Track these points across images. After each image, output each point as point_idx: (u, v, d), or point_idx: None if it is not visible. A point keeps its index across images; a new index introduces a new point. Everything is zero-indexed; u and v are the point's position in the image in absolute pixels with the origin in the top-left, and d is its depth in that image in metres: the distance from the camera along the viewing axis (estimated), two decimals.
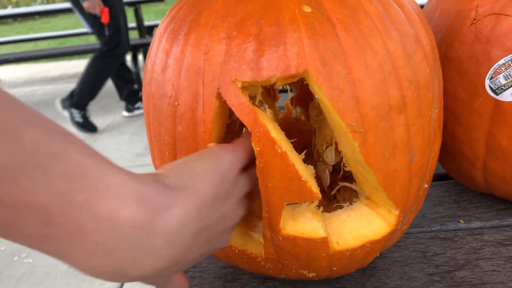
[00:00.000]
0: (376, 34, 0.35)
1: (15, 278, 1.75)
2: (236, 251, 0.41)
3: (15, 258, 1.88)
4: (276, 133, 0.35)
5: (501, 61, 0.46)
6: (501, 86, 0.46)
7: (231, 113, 0.39)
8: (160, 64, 0.39)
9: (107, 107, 3.68)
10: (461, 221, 0.56)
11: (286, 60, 0.33)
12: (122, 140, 3.02)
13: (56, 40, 6.07)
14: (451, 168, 0.58)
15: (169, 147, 0.39)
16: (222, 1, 0.38)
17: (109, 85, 4.21)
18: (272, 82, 0.34)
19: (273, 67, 0.34)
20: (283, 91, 0.70)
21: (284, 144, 0.35)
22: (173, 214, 0.26)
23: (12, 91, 4.38)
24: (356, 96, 0.34)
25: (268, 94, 0.58)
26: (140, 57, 4.27)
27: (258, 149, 0.35)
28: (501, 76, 0.46)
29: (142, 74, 3.90)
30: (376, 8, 0.36)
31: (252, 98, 0.37)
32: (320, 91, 0.34)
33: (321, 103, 0.35)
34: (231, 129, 0.45)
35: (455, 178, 0.61)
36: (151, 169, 2.40)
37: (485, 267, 0.48)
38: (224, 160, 0.33)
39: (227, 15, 0.36)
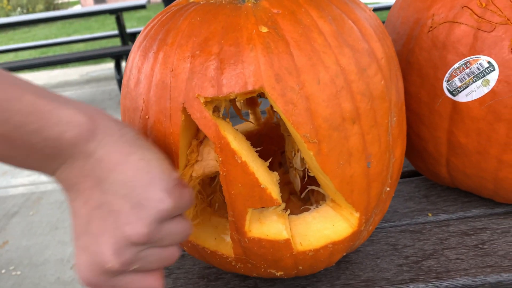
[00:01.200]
0: (329, 51, 0.37)
1: None
2: (209, 252, 0.45)
3: (3, 271, 1.90)
4: (237, 144, 0.38)
5: (456, 65, 0.48)
6: (457, 88, 0.49)
7: None
8: (133, 79, 0.42)
9: (107, 109, 3.68)
10: (430, 214, 0.60)
11: (243, 77, 0.36)
12: None
13: (38, 50, 6.02)
14: (419, 165, 0.61)
15: None
16: (188, 21, 0.40)
17: (93, 92, 4.22)
18: (232, 97, 0.37)
19: (232, 84, 0.36)
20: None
21: (245, 154, 0.38)
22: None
23: None
24: (309, 109, 0.37)
25: (251, 99, 0.60)
26: (123, 64, 4.25)
27: (220, 159, 0.38)
28: (456, 78, 0.49)
29: None
30: (330, 27, 0.38)
31: (218, 110, 0.40)
32: (276, 105, 0.36)
33: (280, 115, 0.38)
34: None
35: (423, 174, 0.64)
36: None
37: (450, 256, 0.52)
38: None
39: (192, 35, 0.39)
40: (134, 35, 4.27)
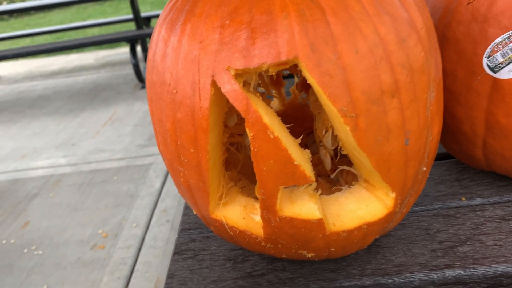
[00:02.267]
0: (367, 19, 0.35)
1: (26, 270, 1.82)
2: (238, 231, 0.43)
3: (25, 251, 1.94)
4: (269, 119, 0.36)
5: (498, 39, 0.45)
6: (499, 64, 0.46)
7: None
8: (160, 53, 0.40)
9: (107, 99, 3.69)
10: (463, 198, 0.57)
11: (276, 47, 0.34)
12: (124, 132, 3.03)
13: (53, 35, 6.04)
14: (452, 147, 0.59)
15: (170, 133, 0.40)
16: None
17: (109, 77, 4.22)
18: (264, 69, 0.35)
19: (264, 55, 0.34)
20: (290, 76, 0.71)
21: (277, 129, 0.36)
22: None
23: (13, 87, 4.41)
24: (346, 81, 0.34)
25: (275, 80, 0.58)
26: (138, 48, 4.24)
27: (251, 134, 0.36)
28: (498, 54, 0.46)
29: (141, 66, 3.87)
30: None
31: (247, 85, 0.38)
32: (311, 77, 0.34)
33: (314, 88, 0.36)
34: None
35: (456, 157, 0.61)
36: (156, 159, 2.42)
37: (487, 242, 0.49)
38: None
39: (221, 4, 0.37)
40: (148, 19, 4.25)
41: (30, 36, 4.59)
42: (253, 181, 0.52)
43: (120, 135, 2.99)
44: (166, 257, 1.82)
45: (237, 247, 0.55)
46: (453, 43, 0.49)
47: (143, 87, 3.80)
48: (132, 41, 3.66)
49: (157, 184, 2.34)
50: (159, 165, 2.51)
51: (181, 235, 0.59)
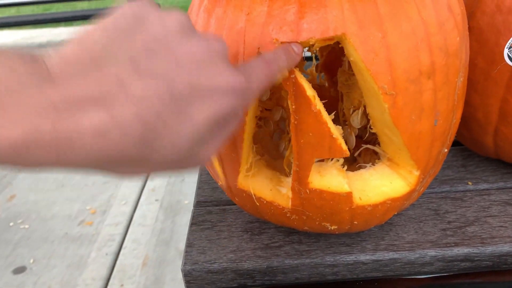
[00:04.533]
0: (411, 1, 0.37)
1: (12, 243, 1.79)
2: (265, 202, 0.45)
3: (11, 224, 1.91)
4: (312, 92, 0.37)
5: None
6: None
7: None
8: (202, 23, 0.40)
9: None
10: (469, 183, 0.60)
11: (325, 22, 0.35)
12: None
13: (41, 6, 5.83)
14: (462, 133, 0.61)
15: None
16: None
17: None
18: (311, 43, 0.36)
19: (313, 29, 0.35)
20: (308, 58, 0.72)
21: (319, 103, 0.37)
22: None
23: None
24: (389, 59, 0.36)
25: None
26: None
27: (294, 106, 0.37)
28: None
29: None
30: None
31: None
32: (356, 53, 0.36)
33: (355, 65, 0.37)
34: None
35: (464, 143, 0.64)
36: None
37: (493, 223, 0.52)
38: None
39: None
40: None
41: (16, 6, 4.45)
42: (273, 156, 0.53)
43: None
44: (154, 235, 1.83)
45: (254, 220, 0.56)
46: (476, 32, 0.51)
47: None
48: None
49: None
50: None
51: (197, 207, 0.60)
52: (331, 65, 0.61)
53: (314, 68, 0.63)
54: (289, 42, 0.36)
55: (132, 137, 0.22)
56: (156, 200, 2.07)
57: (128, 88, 0.22)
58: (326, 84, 0.63)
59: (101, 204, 2.06)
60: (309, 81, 0.63)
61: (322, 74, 0.63)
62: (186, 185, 2.13)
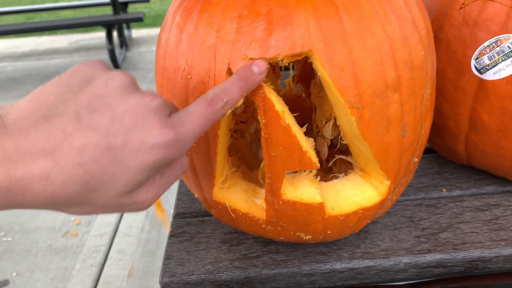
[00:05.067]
0: (376, 18, 0.38)
1: None
2: (240, 214, 0.45)
3: None
4: (281, 107, 0.38)
5: (486, 43, 0.49)
6: (485, 66, 0.50)
7: None
8: (174, 39, 0.41)
9: None
10: (444, 190, 0.61)
11: (292, 39, 0.36)
12: None
13: (23, 15, 5.78)
14: (435, 142, 0.63)
15: None
16: None
17: (99, 57, 4.12)
18: (279, 59, 0.37)
19: (280, 46, 0.36)
20: (286, 69, 0.73)
21: (288, 117, 0.38)
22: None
23: None
24: (355, 74, 0.37)
25: (272, 71, 0.60)
26: (115, 34, 4.13)
27: (264, 121, 0.38)
28: (485, 57, 0.50)
29: (116, 51, 3.77)
30: None
31: None
32: (323, 69, 0.37)
33: (323, 80, 0.38)
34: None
35: (438, 151, 0.65)
36: None
37: (465, 229, 0.54)
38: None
39: None
40: (125, 4, 4.17)
41: None
42: (251, 168, 0.54)
43: None
44: (140, 245, 1.82)
45: (232, 230, 0.57)
46: (444, 44, 0.53)
47: None
48: (109, 26, 3.58)
49: None
50: None
51: (176, 219, 0.60)
52: (307, 75, 0.62)
53: (291, 79, 0.64)
54: (254, 59, 0.37)
55: (74, 182, 0.26)
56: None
57: (72, 139, 0.26)
58: (303, 95, 0.64)
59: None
60: (286, 92, 0.64)
61: (299, 85, 0.64)
62: (172, 196, 2.12)
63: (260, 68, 0.36)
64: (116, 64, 3.69)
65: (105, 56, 4.17)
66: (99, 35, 4.99)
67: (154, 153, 0.28)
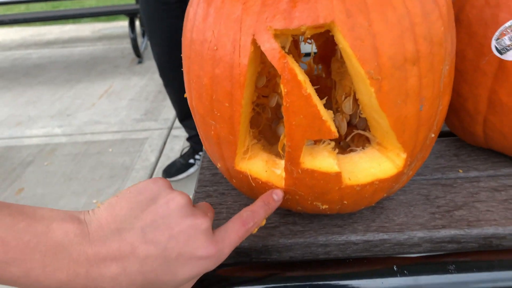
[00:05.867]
0: None
1: None
2: (260, 182, 0.47)
3: None
4: (303, 77, 0.40)
5: (508, 24, 0.50)
6: (506, 46, 0.51)
7: (262, 59, 0.44)
8: (201, 13, 0.43)
9: (104, 72, 3.67)
10: (460, 170, 0.62)
11: (315, 11, 0.38)
12: (120, 105, 3.03)
13: (49, 3, 5.87)
14: (453, 123, 0.64)
15: (207, 88, 0.44)
16: None
17: (106, 50, 4.18)
18: (302, 30, 0.39)
19: (304, 17, 0.38)
20: (307, 54, 0.75)
21: (309, 87, 0.40)
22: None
23: (7, 54, 4.34)
24: (375, 46, 0.38)
25: (294, 47, 0.62)
26: (137, 23, 4.17)
27: (285, 90, 0.40)
28: (506, 37, 0.50)
29: (138, 40, 3.83)
30: None
31: (282, 48, 0.42)
32: (344, 40, 0.38)
33: (344, 52, 0.40)
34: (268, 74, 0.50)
35: (456, 133, 0.66)
36: (151, 134, 2.39)
37: (481, 208, 0.54)
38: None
39: None
40: None
41: (25, 3, 4.51)
42: (271, 142, 0.56)
43: (116, 108, 3.00)
44: None
45: (251, 202, 0.59)
46: (465, 25, 0.54)
47: (140, 62, 3.79)
48: (131, 15, 3.63)
49: (152, 159, 2.37)
50: (155, 140, 2.54)
51: (198, 191, 0.63)
52: (327, 57, 0.63)
53: (311, 60, 0.66)
54: (272, 189, 0.46)
55: (135, 285, 0.35)
56: None
57: (136, 251, 0.34)
58: (323, 75, 0.66)
59: (107, 198, 2.10)
60: (307, 72, 0.66)
61: (320, 66, 0.66)
62: (191, 181, 2.16)
63: (278, 196, 0.46)
64: (138, 52, 3.74)
65: (127, 45, 4.24)
66: (122, 24, 5.06)
67: (198, 265, 0.37)
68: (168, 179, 2.19)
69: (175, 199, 0.38)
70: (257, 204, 0.44)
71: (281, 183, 0.46)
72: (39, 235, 0.31)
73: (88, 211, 0.36)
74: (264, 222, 0.45)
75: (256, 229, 0.44)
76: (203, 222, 0.38)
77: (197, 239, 0.37)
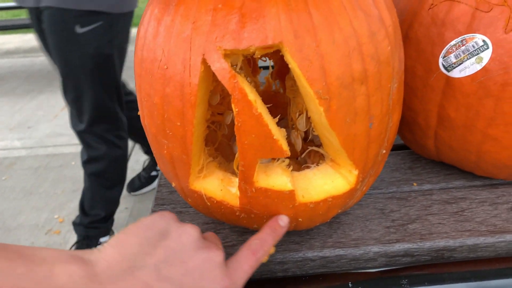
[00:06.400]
0: (344, 13, 0.40)
1: None
2: (215, 201, 0.47)
3: None
4: (253, 96, 0.40)
5: (453, 42, 0.52)
6: (452, 64, 0.52)
7: (215, 78, 0.44)
8: (152, 31, 0.43)
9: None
10: (415, 184, 0.64)
11: (264, 31, 0.38)
12: None
13: (9, 12, 5.73)
14: (407, 137, 0.65)
15: (158, 107, 0.43)
16: None
17: None
18: (251, 51, 0.39)
19: (252, 38, 0.38)
20: (265, 67, 0.75)
21: (260, 107, 0.40)
22: None
23: None
24: (323, 67, 0.39)
25: (247, 65, 0.62)
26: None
27: (236, 110, 0.40)
28: (452, 55, 0.52)
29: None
30: None
31: (234, 66, 0.42)
32: (293, 61, 0.39)
33: (294, 72, 0.40)
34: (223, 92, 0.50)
35: (410, 147, 0.68)
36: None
37: (433, 221, 0.56)
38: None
39: None
40: None
41: None
42: (228, 159, 0.56)
43: None
44: None
45: (209, 221, 0.58)
46: (414, 42, 0.55)
47: None
48: None
49: None
50: None
51: (155, 209, 0.61)
52: (284, 71, 0.64)
53: (270, 76, 0.66)
54: (275, 218, 0.45)
55: None
56: (126, 208, 2.06)
57: None
58: (281, 90, 0.66)
59: (69, 213, 2.03)
60: (265, 88, 0.66)
61: (277, 81, 0.66)
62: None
63: (284, 221, 0.45)
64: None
65: None
66: None
67: None
68: (132, 193, 2.15)
69: (186, 232, 0.37)
70: (264, 231, 0.44)
71: (236, 202, 0.46)
72: (41, 281, 0.29)
73: (93, 250, 0.34)
74: (273, 250, 0.45)
75: (267, 258, 0.43)
76: (217, 255, 0.38)
77: (212, 272, 0.36)
